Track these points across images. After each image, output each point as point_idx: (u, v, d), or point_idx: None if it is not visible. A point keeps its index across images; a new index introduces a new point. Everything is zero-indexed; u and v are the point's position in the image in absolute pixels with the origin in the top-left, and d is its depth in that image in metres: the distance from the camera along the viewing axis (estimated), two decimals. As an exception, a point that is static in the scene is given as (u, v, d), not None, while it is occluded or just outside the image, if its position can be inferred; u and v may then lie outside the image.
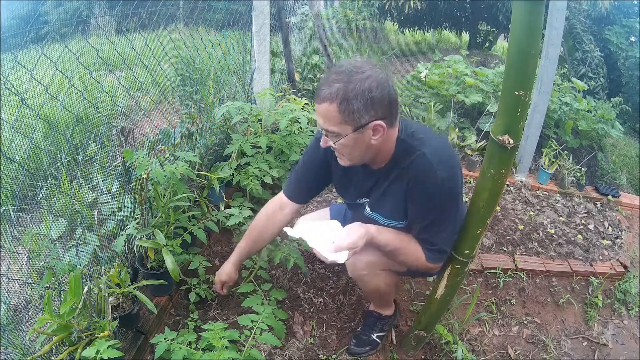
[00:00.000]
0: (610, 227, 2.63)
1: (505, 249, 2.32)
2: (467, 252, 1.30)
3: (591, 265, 2.29)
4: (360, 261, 1.37)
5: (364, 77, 1.05)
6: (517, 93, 1.03)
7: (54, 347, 1.23)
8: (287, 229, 1.27)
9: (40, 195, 1.70)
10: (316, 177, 1.43)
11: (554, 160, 2.97)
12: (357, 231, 1.21)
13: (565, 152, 3.09)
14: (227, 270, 1.56)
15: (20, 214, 1.68)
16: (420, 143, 1.19)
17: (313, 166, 1.40)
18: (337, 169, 1.35)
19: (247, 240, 1.53)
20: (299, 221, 1.27)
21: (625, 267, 2.33)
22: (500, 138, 1.09)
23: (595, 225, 2.63)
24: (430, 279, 1.91)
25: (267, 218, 1.49)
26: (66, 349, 1.20)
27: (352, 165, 1.29)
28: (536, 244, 2.37)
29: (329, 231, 1.22)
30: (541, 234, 2.45)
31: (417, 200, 1.21)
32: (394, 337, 1.75)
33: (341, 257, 1.18)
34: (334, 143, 1.15)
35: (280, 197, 1.50)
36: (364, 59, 1.13)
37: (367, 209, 1.36)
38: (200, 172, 1.96)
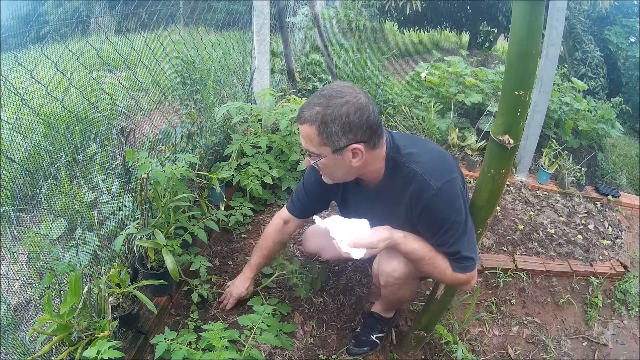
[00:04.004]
0: (610, 227, 2.63)
1: (505, 249, 2.32)
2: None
3: (591, 265, 2.29)
4: (396, 271, 1.37)
5: (342, 102, 1.09)
6: (517, 93, 1.03)
7: (54, 347, 1.23)
8: (316, 218, 1.27)
9: (40, 195, 1.70)
10: (315, 198, 1.49)
11: (554, 160, 2.97)
12: (380, 233, 1.20)
13: (565, 152, 3.09)
14: (244, 285, 1.67)
15: (20, 214, 1.68)
16: (408, 159, 1.20)
17: (310, 189, 1.47)
18: (335, 189, 1.38)
19: (260, 256, 1.67)
20: (333, 216, 1.28)
21: (625, 267, 2.33)
22: (501, 138, 1.09)
23: (595, 225, 2.63)
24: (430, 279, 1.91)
25: (275, 233, 1.62)
26: (66, 349, 1.20)
27: (347, 186, 1.34)
28: (536, 244, 2.37)
29: (355, 228, 1.22)
30: (541, 234, 2.45)
31: (422, 218, 1.21)
32: (394, 337, 1.75)
33: (356, 253, 1.17)
34: (315, 163, 1.19)
35: (285, 213, 1.59)
36: (347, 83, 1.16)
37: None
38: (201, 173, 1.96)
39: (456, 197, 1.17)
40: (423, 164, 1.19)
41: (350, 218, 1.35)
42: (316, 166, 1.21)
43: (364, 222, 1.23)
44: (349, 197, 1.40)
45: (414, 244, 1.23)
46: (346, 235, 1.19)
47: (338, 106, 1.08)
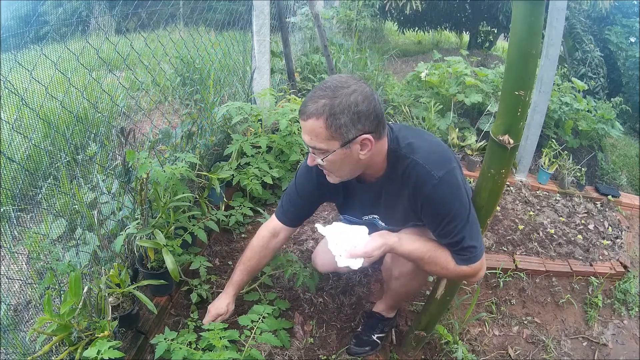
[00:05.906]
0: (610, 227, 2.63)
1: (505, 249, 2.32)
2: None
3: (591, 265, 2.29)
4: (399, 266, 1.37)
5: (350, 91, 1.05)
6: (517, 93, 1.03)
7: (54, 347, 1.23)
8: (318, 225, 1.26)
9: (40, 195, 1.70)
10: (310, 201, 1.43)
11: (554, 160, 2.97)
12: (375, 241, 1.19)
13: (565, 152, 3.09)
14: (225, 303, 1.51)
15: (20, 214, 1.67)
16: (408, 150, 1.18)
17: (306, 191, 1.40)
18: (336, 190, 1.33)
19: (243, 272, 1.53)
20: (335, 223, 1.27)
21: (625, 267, 2.33)
22: (501, 138, 1.09)
23: (595, 225, 2.63)
24: (431, 278, 1.91)
25: (262, 248, 1.50)
26: (66, 349, 1.20)
27: (349, 184, 1.29)
28: (536, 244, 2.37)
29: (353, 236, 1.21)
30: (541, 234, 2.45)
31: (425, 207, 1.19)
32: (394, 337, 1.75)
33: (354, 264, 1.16)
34: (322, 160, 1.13)
35: (274, 222, 1.49)
36: (347, 74, 1.14)
37: (381, 223, 1.38)
38: (201, 173, 1.96)
39: (458, 187, 1.16)
40: (423, 155, 1.17)
41: (355, 217, 1.37)
42: (321, 163, 1.15)
43: (363, 230, 1.23)
44: (354, 195, 1.36)
45: (410, 246, 1.22)
46: (344, 244, 1.19)
47: (345, 96, 1.04)
